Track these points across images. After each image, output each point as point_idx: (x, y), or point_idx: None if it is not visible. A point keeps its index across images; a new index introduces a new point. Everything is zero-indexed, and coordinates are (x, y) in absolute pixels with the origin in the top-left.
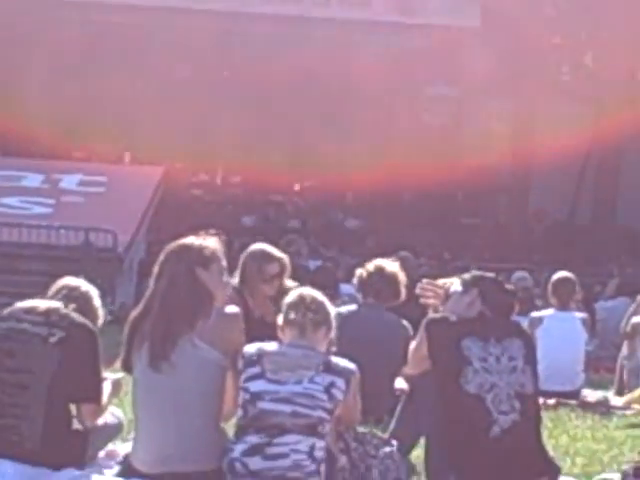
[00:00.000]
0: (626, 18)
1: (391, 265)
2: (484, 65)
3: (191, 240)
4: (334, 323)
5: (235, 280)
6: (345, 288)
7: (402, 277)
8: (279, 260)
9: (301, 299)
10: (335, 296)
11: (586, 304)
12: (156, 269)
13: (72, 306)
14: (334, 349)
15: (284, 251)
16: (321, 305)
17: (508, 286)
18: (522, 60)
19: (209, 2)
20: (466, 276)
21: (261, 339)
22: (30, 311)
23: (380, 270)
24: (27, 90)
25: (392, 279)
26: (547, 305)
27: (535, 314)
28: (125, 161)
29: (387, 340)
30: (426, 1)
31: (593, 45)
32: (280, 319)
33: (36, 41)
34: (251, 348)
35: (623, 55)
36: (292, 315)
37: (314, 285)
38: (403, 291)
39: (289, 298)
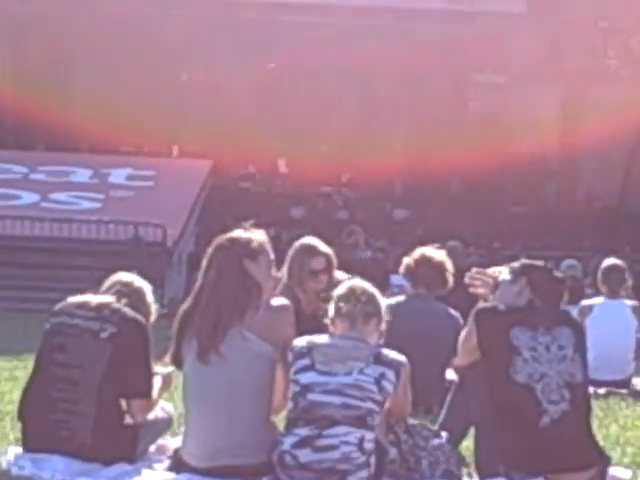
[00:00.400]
0: None
1: (437, 253)
2: (531, 51)
3: (239, 233)
4: (385, 315)
5: (283, 275)
6: (395, 279)
7: (449, 265)
8: (325, 255)
9: (351, 291)
10: (385, 287)
11: (637, 291)
12: (204, 262)
13: (124, 301)
14: (383, 341)
15: (343, 242)
16: (372, 296)
17: (557, 274)
18: (568, 45)
19: None
20: (515, 265)
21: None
22: (82, 306)
23: (426, 258)
24: (73, 85)
25: (439, 267)
26: (597, 293)
27: (585, 302)
28: (173, 154)
29: (437, 331)
30: None
31: None
32: (330, 311)
33: (81, 37)
34: (301, 341)
35: None
36: (343, 307)
37: (364, 276)
38: (451, 279)
39: (339, 290)
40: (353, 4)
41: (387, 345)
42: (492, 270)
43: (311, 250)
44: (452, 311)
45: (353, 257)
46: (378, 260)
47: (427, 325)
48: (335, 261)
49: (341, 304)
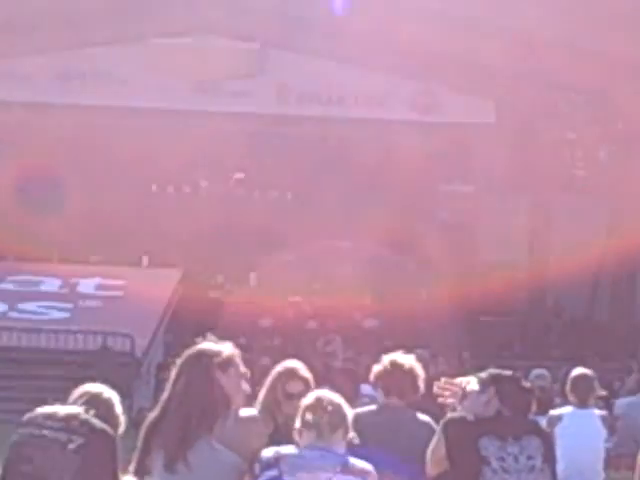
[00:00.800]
0: (637, 111)
1: (406, 359)
2: (499, 161)
3: (209, 345)
4: (351, 425)
5: (260, 396)
6: (365, 388)
7: (419, 370)
8: (303, 379)
9: (318, 401)
10: (356, 397)
11: (605, 401)
12: (173, 373)
13: (92, 412)
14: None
15: (321, 350)
16: (338, 407)
17: (525, 384)
18: (537, 156)
19: (219, 104)
20: (483, 375)
21: None
22: (50, 417)
23: (396, 365)
24: (43, 196)
25: (410, 373)
26: (566, 402)
27: (554, 412)
28: (143, 264)
29: (408, 441)
30: (441, 99)
31: (607, 140)
32: (297, 421)
33: (50, 147)
34: (268, 452)
35: (637, 149)
36: (309, 417)
37: (334, 386)
38: (422, 385)
39: (306, 400)
40: (317, 114)
41: (356, 455)
42: (460, 380)
43: (289, 373)
44: (424, 418)
45: (326, 366)
46: (347, 370)
47: (398, 435)
48: (312, 385)
49: (308, 414)
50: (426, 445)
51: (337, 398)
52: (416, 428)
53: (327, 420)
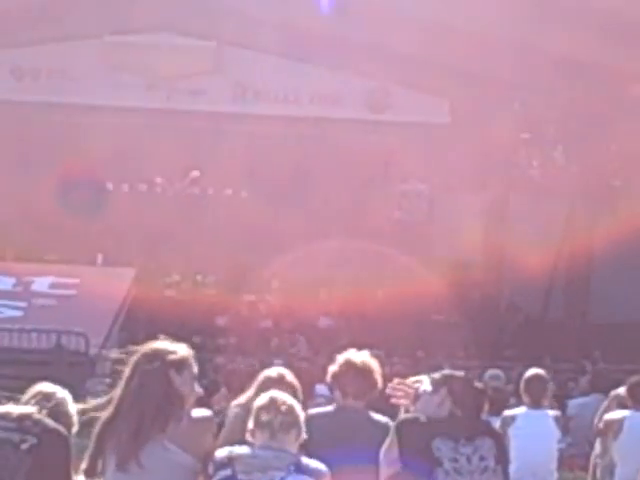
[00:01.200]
0: (593, 112)
1: (361, 356)
2: (454, 161)
3: (164, 345)
4: (304, 425)
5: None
6: (319, 389)
7: (375, 366)
8: (289, 385)
9: (272, 402)
10: (309, 398)
11: (559, 401)
12: (127, 371)
13: (45, 411)
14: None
15: (286, 350)
16: (291, 408)
17: (478, 385)
18: (491, 155)
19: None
20: (436, 375)
21: None
22: (3, 417)
23: (351, 364)
24: None
25: (366, 371)
26: (520, 403)
27: (507, 413)
28: (98, 262)
29: (363, 443)
30: (396, 98)
31: (562, 139)
32: (250, 422)
33: (12, 141)
34: (222, 452)
35: (591, 149)
36: (263, 417)
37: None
38: (379, 380)
39: (259, 401)
40: (273, 112)
41: (311, 456)
42: (413, 380)
43: (278, 379)
44: (380, 419)
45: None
46: (302, 370)
47: (353, 435)
48: (300, 394)
49: (261, 415)
50: (381, 446)
51: (290, 399)
52: (372, 429)
53: (280, 420)
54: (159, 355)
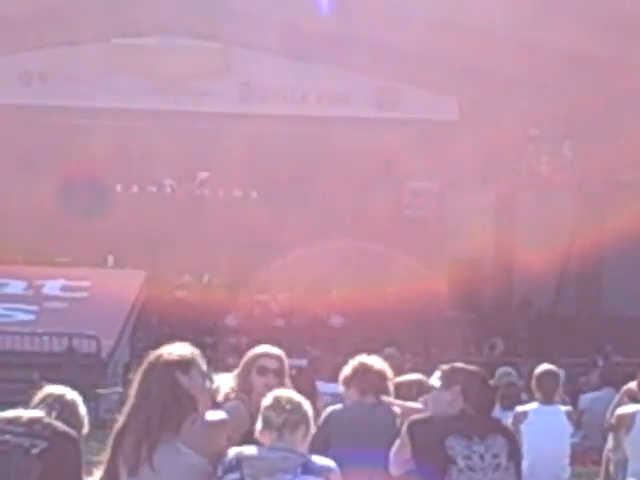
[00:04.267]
0: (601, 108)
1: (375, 361)
2: (463, 158)
3: (167, 348)
4: (312, 422)
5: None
6: (330, 387)
7: (388, 373)
8: (276, 357)
9: (276, 400)
10: (313, 396)
11: (571, 396)
12: (136, 383)
13: (55, 414)
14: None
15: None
16: (297, 405)
17: (490, 381)
18: (501, 152)
19: (183, 103)
20: (446, 368)
21: None
22: (13, 421)
23: (365, 367)
24: (7, 196)
25: (379, 375)
26: (531, 398)
27: (519, 408)
28: (108, 264)
29: (375, 440)
30: (404, 96)
31: (570, 135)
32: (258, 423)
33: (17, 145)
34: (230, 453)
35: (599, 145)
36: (269, 417)
37: (294, 384)
38: (390, 387)
39: (266, 401)
40: (280, 113)
41: (324, 452)
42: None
43: (262, 352)
44: (394, 418)
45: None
46: (303, 369)
47: (366, 433)
48: (287, 367)
49: (267, 414)
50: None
51: (296, 396)
52: (384, 427)
53: (287, 419)
54: (162, 359)
